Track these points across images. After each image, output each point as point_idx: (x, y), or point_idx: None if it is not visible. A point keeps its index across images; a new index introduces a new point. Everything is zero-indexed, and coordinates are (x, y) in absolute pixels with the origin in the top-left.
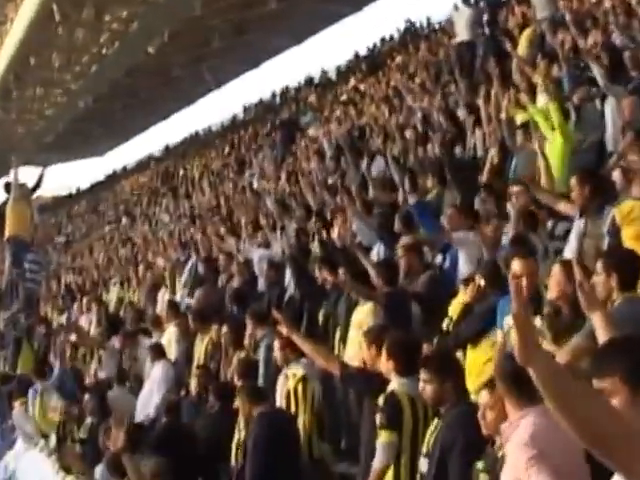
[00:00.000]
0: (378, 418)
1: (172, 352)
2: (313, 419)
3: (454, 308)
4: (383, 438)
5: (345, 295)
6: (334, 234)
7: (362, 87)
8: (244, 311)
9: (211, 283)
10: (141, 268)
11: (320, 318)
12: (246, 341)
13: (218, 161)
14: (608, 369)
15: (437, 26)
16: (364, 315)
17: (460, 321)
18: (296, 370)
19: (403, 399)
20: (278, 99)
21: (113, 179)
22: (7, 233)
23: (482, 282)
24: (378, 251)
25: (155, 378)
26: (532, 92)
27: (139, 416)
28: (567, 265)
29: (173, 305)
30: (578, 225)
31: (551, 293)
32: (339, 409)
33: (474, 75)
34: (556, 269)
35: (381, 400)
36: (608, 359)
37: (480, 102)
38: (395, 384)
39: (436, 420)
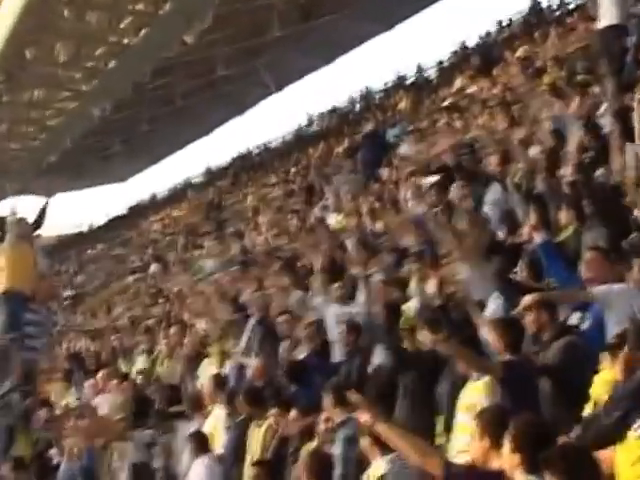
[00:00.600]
0: None
1: (217, 443)
2: None
3: (598, 387)
4: None
5: (449, 367)
6: (431, 286)
7: (471, 89)
8: (306, 390)
9: (270, 352)
10: (175, 331)
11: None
12: (320, 428)
13: (278, 189)
14: None
15: (572, 6)
16: (476, 394)
17: (607, 406)
18: (376, 469)
19: None
20: (358, 106)
21: (138, 213)
22: (1, 285)
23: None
24: (494, 307)
25: (195, 478)
26: None
27: None
28: None
29: (220, 381)
30: None
31: None
32: None
33: (624, 71)
34: None
35: None
36: None
37: (635, 107)
38: None
39: None
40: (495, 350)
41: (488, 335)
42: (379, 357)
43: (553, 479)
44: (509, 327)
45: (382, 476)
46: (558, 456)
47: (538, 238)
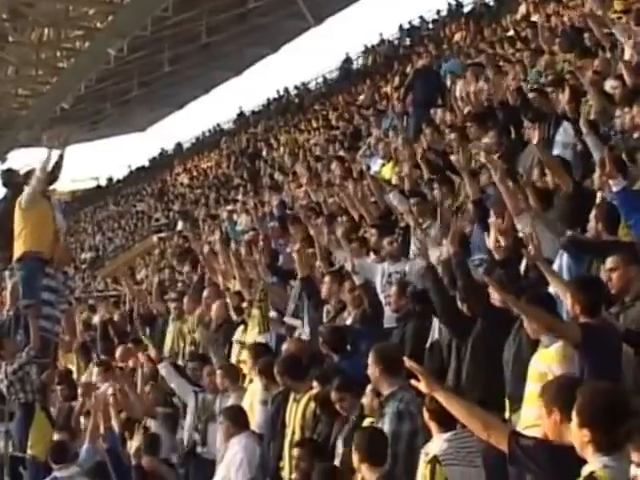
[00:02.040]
0: None
1: (252, 419)
2: None
3: None
4: None
5: (515, 332)
6: (490, 242)
7: (537, 16)
8: (352, 360)
9: (315, 317)
10: (208, 295)
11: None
12: (365, 400)
13: (319, 134)
14: None
15: None
16: (548, 362)
17: None
18: (432, 447)
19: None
20: (408, 39)
21: (162, 164)
22: (19, 249)
23: None
24: (561, 264)
25: (233, 460)
26: None
27: None
28: None
29: (260, 350)
30: None
31: None
32: None
33: None
34: None
35: None
36: None
37: None
38: (595, 465)
39: None
40: (572, 313)
41: (564, 296)
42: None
43: (637, 455)
44: (590, 287)
45: (434, 457)
46: None
47: (614, 185)
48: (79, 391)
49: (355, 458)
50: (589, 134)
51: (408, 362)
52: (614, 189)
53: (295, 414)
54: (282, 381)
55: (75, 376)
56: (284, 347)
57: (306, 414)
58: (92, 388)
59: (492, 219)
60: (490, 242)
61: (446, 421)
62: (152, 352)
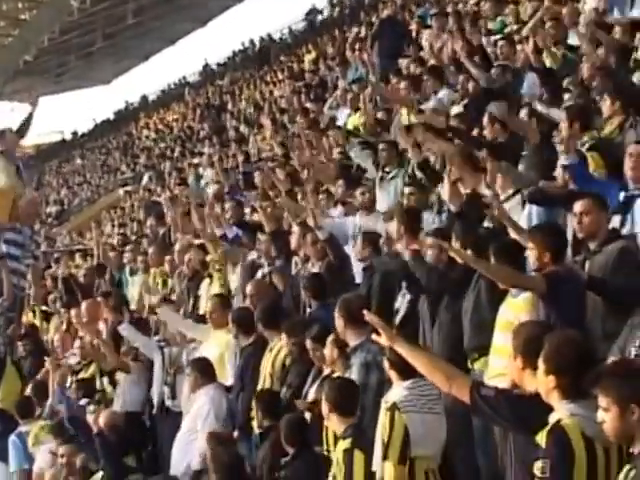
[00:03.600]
0: (538, 468)
1: (223, 371)
2: (407, 469)
3: None
4: None
5: (475, 282)
6: (444, 194)
7: None
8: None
9: (284, 269)
10: (175, 248)
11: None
12: (327, 352)
13: (285, 86)
14: None
15: None
16: (517, 311)
17: None
18: (390, 396)
19: (575, 437)
20: None
21: (127, 117)
22: None
23: None
24: (531, 212)
25: (200, 412)
26: None
27: (177, 468)
28: None
29: (224, 301)
30: None
31: None
32: (472, 453)
33: None
34: None
35: (541, 438)
36: None
37: None
38: (561, 413)
39: (626, 468)
40: (537, 262)
41: (527, 245)
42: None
43: (604, 399)
44: (552, 234)
45: (394, 404)
46: (610, 373)
47: (565, 160)
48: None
49: (324, 408)
50: (544, 108)
51: (368, 316)
52: (565, 162)
53: (267, 364)
54: (260, 329)
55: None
56: (247, 289)
57: (275, 364)
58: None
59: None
60: (445, 194)
61: (406, 370)
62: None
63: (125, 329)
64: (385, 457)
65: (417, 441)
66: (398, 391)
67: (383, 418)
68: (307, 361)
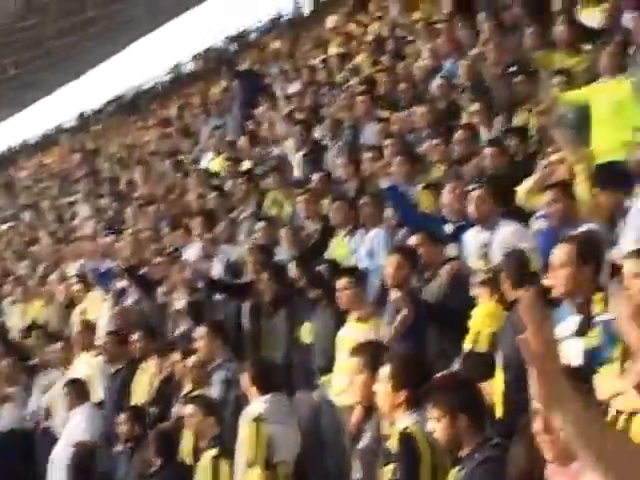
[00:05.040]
0: (390, 470)
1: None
2: (270, 475)
3: (478, 321)
4: None
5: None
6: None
7: (348, 26)
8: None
9: (147, 298)
10: (53, 279)
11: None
12: (192, 370)
13: (154, 131)
14: None
15: None
16: (361, 333)
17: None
18: (253, 408)
19: (421, 441)
20: (234, 45)
21: (8, 159)
22: None
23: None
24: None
25: (76, 429)
26: None
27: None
28: None
29: (89, 326)
30: None
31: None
32: (326, 456)
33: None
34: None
35: (392, 445)
36: None
37: None
38: (407, 422)
39: (456, 469)
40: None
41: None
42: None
43: (435, 410)
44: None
45: (259, 416)
46: (439, 387)
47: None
48: None
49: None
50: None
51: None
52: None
53: (142, 383)
54: (131, 353)
55: None
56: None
57: (147, 383)
58: None
59: None
60: None
61: (264, 386)
62: None
63: None
64: (252, 464)
65: (279, 448)
66: (258, 405)
67: (247, 429)
68: (174, 381)
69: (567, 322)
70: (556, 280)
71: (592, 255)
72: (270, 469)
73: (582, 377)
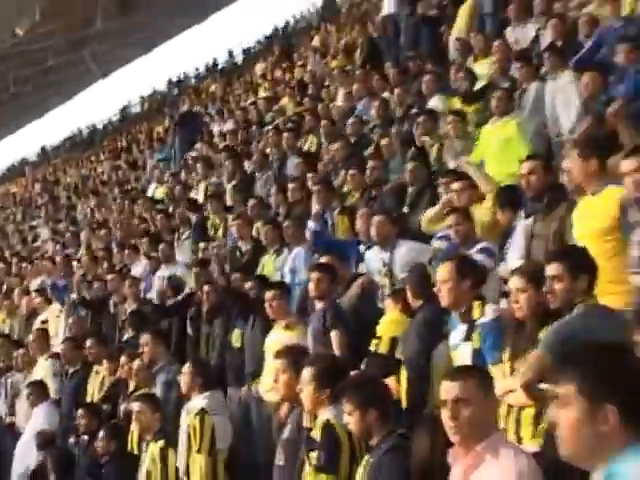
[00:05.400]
0: (314, 457)
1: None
2: (214, 461)
3: (384, 327)
4: None
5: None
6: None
7: (275, 73)
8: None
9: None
10: (17, 293)
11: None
12: (138, 372)
13: (106, 164)
14: (563, 375)
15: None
16: (286, 339)
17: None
18: (196, 403)
19: (340, 431)
20: (176, 89)
21: None
22: None
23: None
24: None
25: (36, 425)
26: None
27: (17, 471)
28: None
29: (44, 334)
30: (525, 225)
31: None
32: (255, 445)
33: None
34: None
35: (316, 434)
36: (565, 365)
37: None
38: (327, 415)
39: (367, 457)
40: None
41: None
42: None
43: (348, 405)
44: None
45: (201, 409)
46: (352, 385)
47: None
48: None
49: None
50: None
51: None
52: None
53: (94, 383)
54: (92, 354)
55: None
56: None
57: (104, 382)
58: None
59: None
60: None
61: (204, 383)
62: None
63: None
64: (199, 451)
65: (219, 437)
66: (199, 400)
67: (193, 420)
68: (122, 381)
69: (457, 330)
70: (441, 294)
71: (469, 271)
72: (212, 455)
73: None
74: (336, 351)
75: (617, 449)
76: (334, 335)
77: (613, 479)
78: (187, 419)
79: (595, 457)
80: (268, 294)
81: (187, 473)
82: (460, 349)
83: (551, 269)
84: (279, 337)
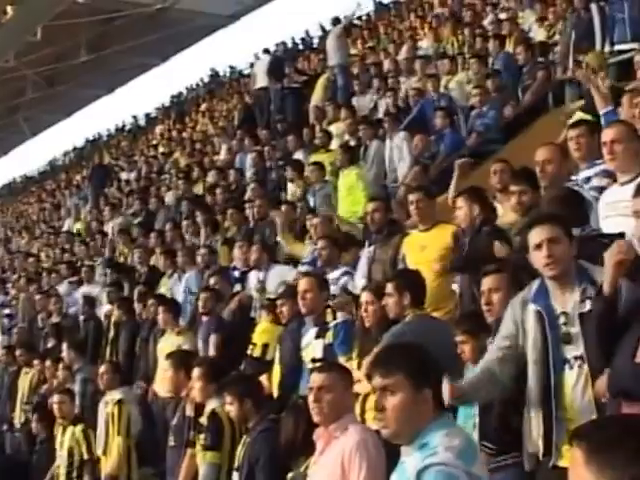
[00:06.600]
0: (201, 439)
1: None
2: (128, 442)
3: (257, 335)
4: (209, 459)
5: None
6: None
7: (171, 133)
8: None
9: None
10: None
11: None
12: (60, 373)
13: (36, 205)
14: (393, 368)
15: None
16: (176, 343)
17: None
18: (113, 395)
19: (224, 418)
20: (90, 145)
21: None
22: None
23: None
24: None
25: None
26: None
27: None
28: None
29: None
30: (368, 252)
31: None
32: (158, 432)
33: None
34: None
35: (204, 419)
36: (393, 360)
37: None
38: (213, 405)
39: (245, 438)
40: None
41: None
42: None
43: (229, 396)
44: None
45: (119, 400)
46: (232, 382)
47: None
48: None
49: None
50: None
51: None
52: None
53: (24, 383)
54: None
55: None
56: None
57: (32, 382)
58: None
59: None
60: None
61: (119, 380)
62: None
63: None
64: (118, 433)
65: (133, 422)
66: (116, 393)
67: (112, 409)
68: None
69: (309, 333)
70: (302, 302)
71: (325, 285)
72: (128, 437)
73: None
74: (212, 351)
75: (428, 424)
76: (212, 338)
77: (425, 448)
78: (106, 408)
79: (413, 432)
80: (159, 308)
81: (104, 453)
82: (311, 346)
83: (387, 288)
84: (171, 340)
